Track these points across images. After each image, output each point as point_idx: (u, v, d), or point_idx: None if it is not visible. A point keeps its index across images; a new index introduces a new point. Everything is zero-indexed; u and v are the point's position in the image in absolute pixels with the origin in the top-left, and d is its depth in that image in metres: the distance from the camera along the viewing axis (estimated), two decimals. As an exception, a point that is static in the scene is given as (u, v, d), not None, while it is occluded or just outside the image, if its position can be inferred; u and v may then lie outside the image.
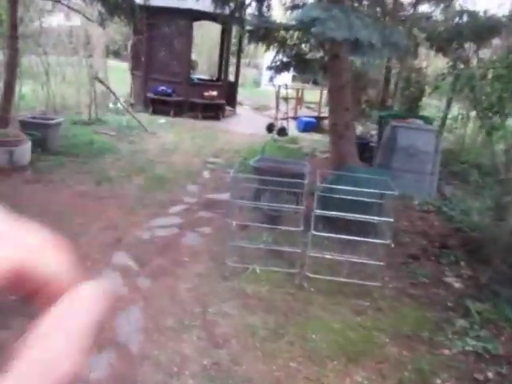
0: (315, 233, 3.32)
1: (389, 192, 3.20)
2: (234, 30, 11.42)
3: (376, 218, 3.37)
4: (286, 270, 3.50)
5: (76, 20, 10.32)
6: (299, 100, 13.81)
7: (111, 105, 10.43)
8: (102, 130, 8.09)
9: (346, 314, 3.10)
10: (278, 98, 11.78)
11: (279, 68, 8.08)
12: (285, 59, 7.95)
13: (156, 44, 11.07)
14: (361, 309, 3.16)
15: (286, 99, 11.87)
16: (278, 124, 10.49)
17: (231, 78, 12.88)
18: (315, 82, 29.98)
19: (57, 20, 10.34)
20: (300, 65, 7.94)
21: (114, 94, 8.68)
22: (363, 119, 9.99)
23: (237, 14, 6.85)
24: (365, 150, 7.73)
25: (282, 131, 10.26)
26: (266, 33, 7.29)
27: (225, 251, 3.87)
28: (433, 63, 10.08)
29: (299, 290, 3.39)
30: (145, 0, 6.50)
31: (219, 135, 9.48)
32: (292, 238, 3.78)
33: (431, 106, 10.52)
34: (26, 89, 8.41)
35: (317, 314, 3.07)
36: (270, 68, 8.11)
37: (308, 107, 15.95)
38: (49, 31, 9.57)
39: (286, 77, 26.61)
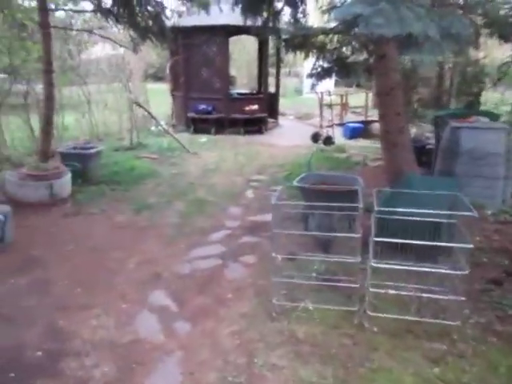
0: (375, 264, 2.81)
1: (466, 213, 2.64)
2: (271, 40, 11.10)
3: (449, 244, 2.82)
4: (343, 308, 3.01)
5: (115, 48, 10.46)
6: (344, 106, 13.21)
7: (153, 128, 10.39)
8: (143, 155, 7.98)
9: (419, 362, 2.56)
10: (321, 105, 11.32)
11: (320, 75, 7.62)
12: (325, 65, 7.49)
13: (194, 63, 10.97)
14: (437, 355, 2.61)
15: (329, 106, 11.37)
16: (324, 132, 9.99)
17: (271, 89, 12.55)
18: (359, 85, 29.27)
19: (95, 51, 10.50)
20: (342, 69, 7.43)
21: (154, 117, 8.59)
22: (416, 120, 9.24)
23: (270, 24, 6.49)
24: (421, 154, 7.05)
25: (328, 140, 9.73)
26: (302, 40, 6.87)
27: (271, 286, 3.45)
28: (490, 53, 9.19)
29: (359, 331, 2.88)
30: (174, 22, 6.30)
31: (262, 150, 9.12)
32: (348, 266, 3.30)
33: (490, 100, 9.60)
34: (69, 119, 8.50)
35: (384, 364, 2.56)
36: (310, 76, 7.67)
37: (354, 112, 15.29)
38: (88, 62, 9.72)
39: (329, 83, 26.07)
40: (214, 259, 4.13)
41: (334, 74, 7.81)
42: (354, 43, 7.32)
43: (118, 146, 8.57)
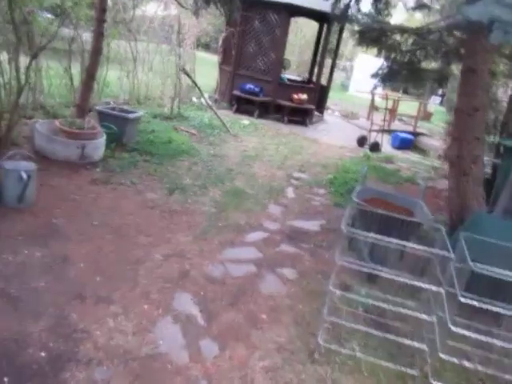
0: (455, 329, 2.30)
1: None
2: (336, 28, 10.44)
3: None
4: (400, 369, 2.53)
5: (172, 9, 9.94)
6: (393, 111, 12.46)
7: (195, 99, 9.92)
8: (182, 128, 7.52)
9: None
10: (372, 107, 10.65)
11: (386, 76, 7.00)
12: (395, 66, 6.86)
13: (248, 38, 10.39)
14: None
15: (384, 109, 10.67)
16: (371, 138, 9.36)
17: (322, 81, 11.89)
18: (406, 92, 28.13)
19: (153, 8, 10.00)
20: (412, 74, 6.79)
21: (199, 88, 8.09)
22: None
23: (350, 12, 5.88)
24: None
25: (376, 146, 9.12)
26: (378, 34, 6.26)
27: (312, 314, 2.99)
28: None
29: (417, 401, 2.41)
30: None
31: (305, 145, 8.58)
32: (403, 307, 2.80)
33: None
34: (111, 75, 8.07)
35: None
36: (375, 75, 7.06)
37: (400, 120, 14.53)
38: (141, 18, 9.24)
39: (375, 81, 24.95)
40: (248, 265, 3.69)
41: (399, 78, 7.17)
42: (429, 48, 6.65)
43: (158, 113, 8.13)
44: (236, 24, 10.07)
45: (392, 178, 6.95)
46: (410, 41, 6.60)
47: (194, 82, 8.25)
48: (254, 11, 10.06)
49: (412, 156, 9.58)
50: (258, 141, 8.04)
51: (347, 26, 9.13)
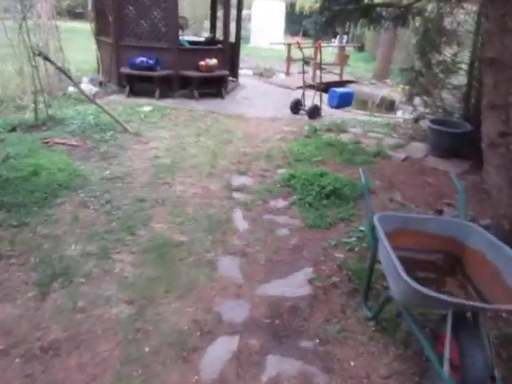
0: None
1: None
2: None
3: None
4: None
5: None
6: (316, 64, 10.69)
7: (72, 88, 7.33)
8: (56, 140, 5.13)
9: None
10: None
11: (329, 21, 5.17)
12: (336, 7, 5.06)
13: (127, -4, 7.85)
14: None
15: (307, 62, 8.88)
16: (303, 98, 7.55)
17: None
18: (306, 35, 26.63)
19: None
20: (363, 14, 5.00)
21: (69, 77, 5.60)
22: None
23: None
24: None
25: (315, 111, 7.40)
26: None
27: None
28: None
29: None
30: None
31: (232, 126, 6.59)
32: None
33: None
34: None
35: None
36: (313, 23, 5.19)
37: (322, 69, 12.90)
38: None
39: (276, 30, 23.22)
40: None
41: (343, 21, 5.37)
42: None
43: (17, 123, 5.58)
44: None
45: (358, 158, 5.28)
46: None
47: (58, 67, 5.72)
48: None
49: (356, 114, 8.03)
50: (170, 134, 5.90)
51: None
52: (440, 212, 3.94)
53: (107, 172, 4.46)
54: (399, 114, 9.06)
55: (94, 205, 3.76)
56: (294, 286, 2.91)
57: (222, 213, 3.82)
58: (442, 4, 5.36)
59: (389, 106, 9.56)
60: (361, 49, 18.84)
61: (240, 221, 3.74)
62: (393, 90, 10.63)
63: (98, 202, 3.81)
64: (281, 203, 4.12)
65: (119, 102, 7.34)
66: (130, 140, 5.52)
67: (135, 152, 5.13)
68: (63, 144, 5.06)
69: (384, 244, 2.26)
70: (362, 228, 3.58)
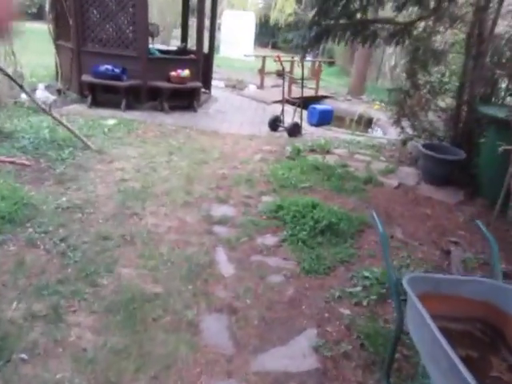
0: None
1: None
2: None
3: None
4: None
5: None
6: (292, 78, 10.31)
7: (24, 96, 6.52)
8: (2, 158, 4.38)
9: None
10: (283, 76, 8.22)
11: (317, 37, 4.73)
12: (325, 22, 4.63)
13: (91, -3, 7.16)
14: None
15: (280, 75, 8.50)
16: (281, 113, 7.12)
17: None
18: (275, 47, 26.45)
19: None
20: (357, 29, 4.59)
21: (20, 85, 4.83)
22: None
23: None
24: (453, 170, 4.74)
25: (296, 129, 6.95)
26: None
27: None
28: None
29: None
30: None
31: (206, 144, 6.01)
32: None
33: None
34: None
35: None
36: (300, 41, 4.76)
37: (295, 82, 12.56)
38: None
39: (247, 41, 22.86)
40: None
41: (335, 37, 4.93)
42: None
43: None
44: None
45: (348, 184, 4.82)
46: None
47: (7, 74, 4.96)
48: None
49: (337, 132, 7.64)
50: (138, 152, 5.25)
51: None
52: (448, 253, 3.52)
53: (64, 199, 3.77)
54: (379, 132, 8.78)
55: (46, 244, 3.07)
56: (298, 355, 2.36)
57: (202, 253, 3.23)
58: (437, 23, 5.03)
59: (367, 123, 9.27)
60: (331, 63, 18.77)
61: (224, 264, 3.16)
62: (369, 107, 10.40)
63: (51, 239, 3.12)
64: (269, 240, 3.56)
65: (80, 114, 6.61)
66: (92, 159, 4.82)
67: (98, 173, 4.45)
68: (11, 163, 4.30)
69: (425, 321, 1.75)
70: (366, 274, 3.09)
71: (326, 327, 2.59)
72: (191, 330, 2.44)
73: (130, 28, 7.21)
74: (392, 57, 14.53)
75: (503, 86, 5.82)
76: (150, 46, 7.69)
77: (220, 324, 2.53)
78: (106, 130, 5.93)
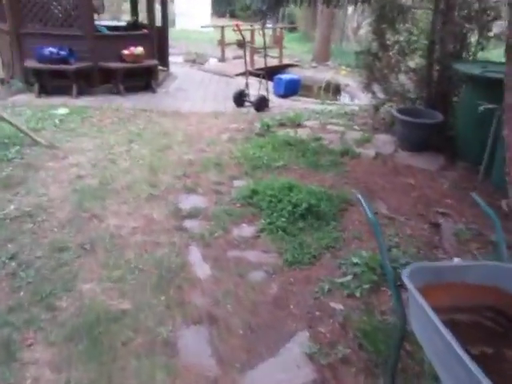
0: None
1: None
2: None
3: None
4: None
5: None
6: (254, 48, 9.80)
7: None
8: None
9: None
10: (244, 46, 7.70)
11: (276, 0, 4.32)
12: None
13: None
14: None
15: (241, 45, 8.06)
16: (249, 90, 6.73)
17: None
18: (233, 16, 25.58)
19: None
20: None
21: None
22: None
23: None
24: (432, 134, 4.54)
25: (263, 103, 6.58)
26: None
27: None
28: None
29: None
30: None
31: (168, 125, 5.59)
32: None
33: None
34: None
35: None
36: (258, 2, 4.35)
37: (257, 52, 12.02)
38: None
39: (203, 11, 22.02)
40: None
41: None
42: None
43: None
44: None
45: (324, 159, 4.54)
46: None
47: None
48: None
49: (306, 102, 7.31)
50: (95, 144, 4.79)
51: None
52: (437, 225, 3.31)
53: (11, 207, 3.34)
54: (347, 98, 8.50)
55: (-8, 263, 2.68)
56: (291, 367, 2.10)
57: (173, 255, 2.91)
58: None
59: (335, 90, 8.96)
60: (293, 29, 18.18)
61: (199, 264, 2.85)
62: (336, 73, 10.06)
63: (-2, 259, 2.73)
64: (246, 231, 3.26)
65: (27, 104, 6.03)
66: (43, 155, 4.35)
67: (50, 172, 4.00)
68: None
69: (432, 322, 1.51)
70: (355, 260, 2.85)
71: (319, 328, 2.34)
72: (167, 350, 2.15)
73: (72, 4, 6.55)
74: (354, 17, 14.12)
75: (472, 40, 5.58)
76: (96, 22, 7.04)
77: (200, 338, 2.24)
78: (56, 121, 5.41)
